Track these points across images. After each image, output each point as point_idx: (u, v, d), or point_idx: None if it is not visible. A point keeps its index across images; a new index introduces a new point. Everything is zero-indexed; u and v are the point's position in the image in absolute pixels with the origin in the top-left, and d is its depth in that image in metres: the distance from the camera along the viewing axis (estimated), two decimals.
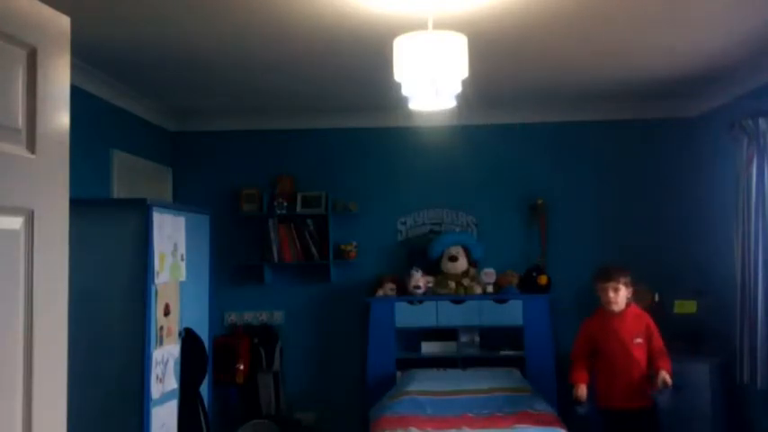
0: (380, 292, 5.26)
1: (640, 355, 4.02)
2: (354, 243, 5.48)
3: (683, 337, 4.91)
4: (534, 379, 4.89)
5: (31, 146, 1.38)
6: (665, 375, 3.89)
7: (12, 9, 1.33)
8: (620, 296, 4.06)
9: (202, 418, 4.14)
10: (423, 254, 5.37)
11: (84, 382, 3.25)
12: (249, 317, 5.54)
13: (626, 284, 4.08)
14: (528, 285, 5.24)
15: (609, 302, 4.07)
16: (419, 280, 5.18)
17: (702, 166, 5.21)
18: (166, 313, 3.71)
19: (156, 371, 3.57)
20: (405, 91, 3.06)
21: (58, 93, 1.47)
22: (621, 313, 4.08)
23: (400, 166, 5.55)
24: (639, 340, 4.03)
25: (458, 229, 5.51)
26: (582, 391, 4.05)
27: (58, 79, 1.48)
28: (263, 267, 5.47)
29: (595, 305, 5.25)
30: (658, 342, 4.05)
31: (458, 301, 5.18)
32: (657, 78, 4.65)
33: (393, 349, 5.18)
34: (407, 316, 5.18)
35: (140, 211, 3.56)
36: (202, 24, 3.45)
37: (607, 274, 4.10)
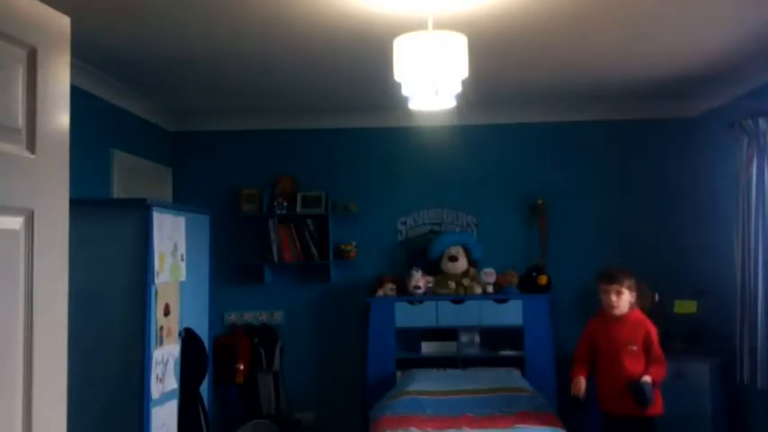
0: (380, 292, 5.26)
1: (632, 363, 3.83)
2: (354, 243, 5.48)
3: (683, 337, 4.92)
4: (534, 379, 4.88)
5: (31, 146, 1.38)
6: (645, 377, 3.76)
7: (12, 9, 1.33)
8: (623, 300, 3.91)
9: (202, 418, 4.14)
10: (423, 254, 5.37)
11: (84, 382, 3.25)
12: (249, 317, 5.54)
13: (630, 288, 3.93)
14: (528, 285, 5.23)
15: (610, 306, 3.93)
16: (419, 280, 5.18)
17: (702, 166, 5.21)
18: (166, 313, 3.71)
19: (156, 371, 3.57)
20: (405, 91, 3.07)
21: (58, 93, 1.47)
22: (622, 318, 3.93)
23: (400, 166, 5.55)
24: (634, 347, 3.86)
25: (458, 229, 5.51)
26: (580, 382, 3.93)
27: (58, 79, 1.48)
28: (263, 267, 5.47)
29: (596, 305, 5.25)
30: (656, 351, 3.88)
31: (458, 301, 5.18)
32: (657, 78, 4.65)
33: (393, 349, 5.17)
34: (407, 316, 5.18)
35: (140, 211, 3.56)
36: (202, 24, 3.45)
37: (610, 277, 3.95)
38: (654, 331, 3.90)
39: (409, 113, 4.80)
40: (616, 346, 3.90)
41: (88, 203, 3.45)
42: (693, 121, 5.31)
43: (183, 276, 3.96)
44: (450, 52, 2.81)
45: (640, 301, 4.23)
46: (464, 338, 5.23)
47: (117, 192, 4.62)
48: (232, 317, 5.54)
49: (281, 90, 4.86)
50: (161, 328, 3.64)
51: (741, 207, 4.37)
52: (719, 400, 4.57)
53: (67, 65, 1.51)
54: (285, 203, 5.43)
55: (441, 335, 5.24)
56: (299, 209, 5.46)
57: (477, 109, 5.18)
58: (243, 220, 5.52)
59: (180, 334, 3.90)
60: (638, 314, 3.96)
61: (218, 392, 4.93)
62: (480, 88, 4.35)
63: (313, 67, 4.23)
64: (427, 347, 5.24)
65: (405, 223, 5.57)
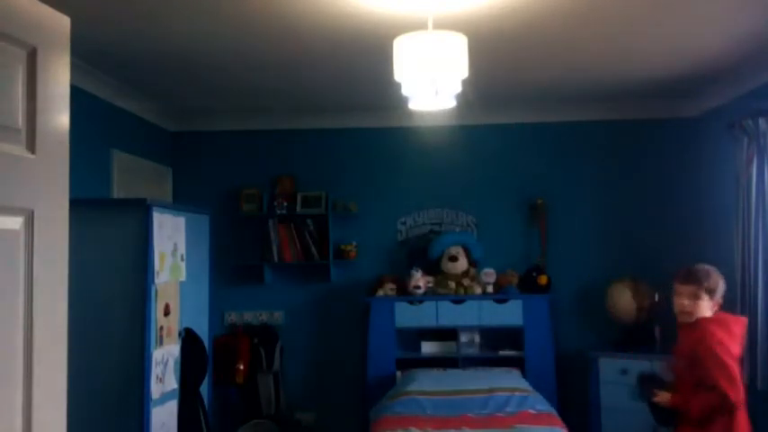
0: (380, 292, 5.26)
1: (677, 381, 3.10)
2: (354, 243, 5.48)
3: None
4: (534, 379, 4.89)
5: (31, 146, 1.38)
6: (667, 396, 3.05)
7: (12, 9, 1.33)
8: (699, 306, 3.07)
9: (202, 418, 4.14)
10: (423, 254, 5.37)
11: (85, 382, 3.26)
12: (249, 317, 5.54)
13: (710, 292, 3.07)
14: (528, 285, 5.23)
15: (680, 311, 3.14)
16: (419, 280, 5.18)
17: (702, 166, 5.21)
18: (166, 313, 3.71)
19: (156, 371, 3.57)
20: (405, 91, 3.07)
21: (57, 93, 1.47)
22: (689, 326, 3.12)
23: (400, 166, 5.55)
24: (680, 363, 3.15)
25: (458, 229, 5.51)
26: (663, 395, 3.15)
27: (58, 79, 1.48)
28: (263, 267, 5.47)
29: (597, 306, 5.27)
30: (706, 372, 2.92)
31: (458, 301, 5.18)
32: (657, 78, 4.65)
33: (393, 349, 5.17)
34: (407, 316, 5.18)
35: (140, 211, 3.57)
36: (203, 24, 3.45)
37: (688, 276, 3.13)
38: (713, 346, 2.93)
39: (409, 113, 4.80)
40: (674, 360, 3.26)
41: (88, 203, 3.45)
42: (693, 121, 5.31)
43: (182, 276, 3.96)
44: (450, 52, 2.81)
45: (641, 301, 4.10)
46: (464, 338, 5.23)
47: (117, 192, 4.62)
48: (232, 317, 5.54)
49: (281, 90, 4.86)
50: (161, 328, 3.64)
51: (741, 207, 4.37)
52: None
53: (67, 65, 1.51)
54: (285, 203, 5.43)
55: (441, 335, 5.24)
56: (299, 209, 5.46)
57: (477, 109, 5.17)
58: (243, 220, 5.52)
59: (180, 334, 3.90)
60: (706, 322, 3.06)
61: (218, 392, 4.93)
62: (480, 88, 4.35)
63: (313, 67, 4.23)
64: (427, 347, 5.24)
65: (405, 223, 5.57)
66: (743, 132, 4.34)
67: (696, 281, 3.10)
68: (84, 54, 3.81)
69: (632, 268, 5.16)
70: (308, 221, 5.45)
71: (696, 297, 3.08)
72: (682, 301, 3.13)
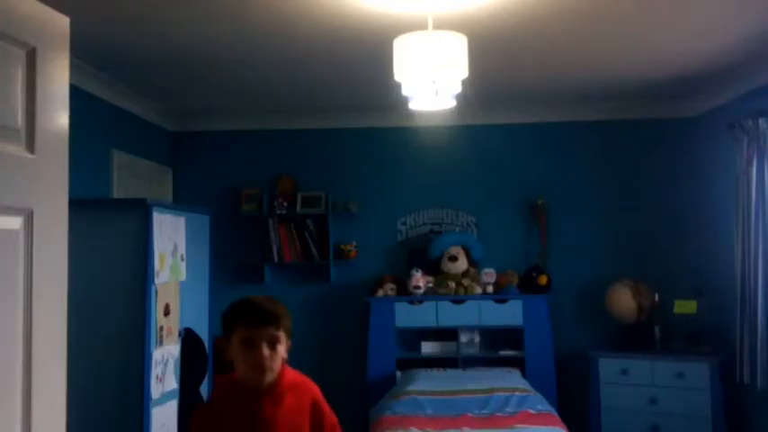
0: (380, 292, 5.26)
1: None
2: (354, 243, 5.48)
3: (683, 337, 4.92)
4: (534, 379, 4.88)
5: (30, 146, 1.38)
6: None
7: (11, 9, 1.33)
8: (281, 357, 2.22)
9: None
10: (423, 254, 5.37)
11: (85, 382, 3.26)
12: None
13: (288, 332, 2.32)
14: (528, 285, 5.23)
15: (259, 365, 2.12)
16: (419, 280, 5.18)
17: (702, 166, 5.21)
18: (166, 313, 3.72)
19: (156, 371, 3.57)
20: (405, 91, 3.07)
21: (57, 93, 1.47)
22: (274, 387, 2.18)
23: (400, 165, 5.55)
24: None
25: (458, 229, 5.51)
26: None
27: (58, 79, 1.48)
28: (263, 267, 5.47)
29: (597, 306, 5.27)
30: None
31: (458, 301, 5.18)
32: (657, 78, 4.65)
33: (393, 349, 5.17)
34: (407, 316, 5.18)
35: (140, 211, 3.57)
36: (203, 24, 3.45)
37: (261, 314, 2.28)
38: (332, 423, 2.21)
39: (409, 113, 4.80)
40: None
41: (88, 203, 3.46)
42: (693, 121, 5.31)
43: (183, 276, 3.96)
44: (451, 52, 2.81)
45: (641, 301, 4.11)
46: (464, 338, 5.23)
47: (117, 192, 4.62)
48: None
49: (281, 90, 4.86)
50: (161, 328, 3.65)
51: (741, 207, 4.37)
52: (719, 400, 4.57)
53: (67, 65, 1.51)
54: (285, 203, 5.43)
55: (441, 335, 5.24)
56: (299, 209, 5.46)
57: (478, 109, 5.17)
58: (243, 220, 5.52)
59: (180, 334, 3.90)
60: (307, 378, 2.32)
61: None
62: (480, 88, 4.34)
63: (313, 67, 4.23)
64: (427, 347, 5.24)
65: (405, 223, 5.57)
66: (743, 132, 4.34)
67: (275, 319, 2.22)
68: (84, 54, 3.81)
69: (632, 268, 5.16)
70: (308, 221, 5.45)
71: (278, 342, 2.15)
72: (262, 352, 2.08)
